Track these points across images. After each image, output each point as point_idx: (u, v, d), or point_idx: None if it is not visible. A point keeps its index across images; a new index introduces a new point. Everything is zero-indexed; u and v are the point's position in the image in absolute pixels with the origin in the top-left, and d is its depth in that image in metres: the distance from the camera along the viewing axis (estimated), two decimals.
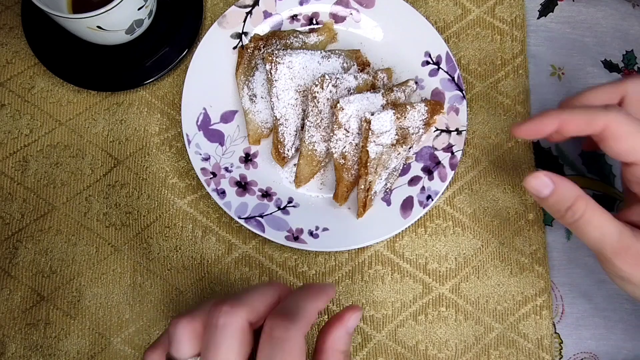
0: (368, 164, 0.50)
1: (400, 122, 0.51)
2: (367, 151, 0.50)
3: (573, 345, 0.53)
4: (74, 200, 0.55)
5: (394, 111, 0.50)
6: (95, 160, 0.56)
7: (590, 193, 0.52)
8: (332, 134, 0.51)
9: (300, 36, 0.56)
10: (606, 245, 0.41)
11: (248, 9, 0.57)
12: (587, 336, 0.53)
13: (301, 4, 0.57)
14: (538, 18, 0.60)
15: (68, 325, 0.52)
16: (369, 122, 0.49)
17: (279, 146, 0.54)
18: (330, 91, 0.51)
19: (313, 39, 0.57)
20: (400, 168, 0.54)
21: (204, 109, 0.55)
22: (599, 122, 0.41)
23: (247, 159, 0.55)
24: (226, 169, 0.54)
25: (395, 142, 0.51)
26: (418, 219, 0.54)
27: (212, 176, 0.53)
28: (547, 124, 0.43)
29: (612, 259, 0.41)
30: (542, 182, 0.42)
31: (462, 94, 0.55)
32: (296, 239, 0.51)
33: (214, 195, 0.52)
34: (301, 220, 0.52)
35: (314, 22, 0.58)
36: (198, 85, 0.55)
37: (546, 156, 0.56)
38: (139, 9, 0.51)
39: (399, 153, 0.51)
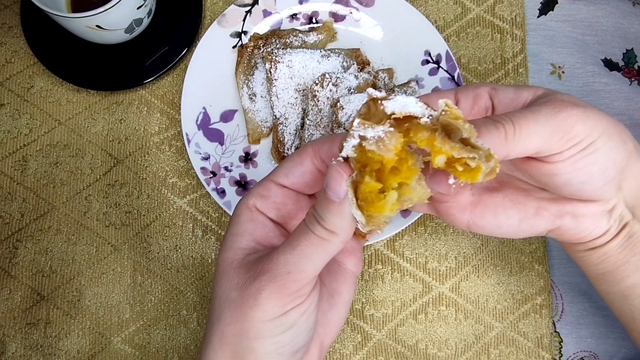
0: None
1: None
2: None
3: (573, 343, 0.53)
4: (73, 200, 0.55)
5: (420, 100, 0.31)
6: (94, 159, 0.55)
7: None
8: (331, 133, 0.51)
9: (300, 35, 0.56)
10: (543, 111, 0.35)
11: (248, 8, 0.57)
12: (586, 335, 0.53)
13: (301, 2, 0.57)
14: (538, 17, 0.59)
15: (68, 324, 0.52)
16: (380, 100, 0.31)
17: (279, 145, 0.53)
18: (331, 90, 0.51)
19: (313, 37, 0.56)
20: None
21: (204, 108, 0.55)
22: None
23: (247, 158, 0.55)
24: (226, 168, 0.54)
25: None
26: (418, 218, 0.54)
27: (212, 175, 0.53)
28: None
29: (560, 112, 0.35)
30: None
31: None
32: None
33: (214, 195, 0.52)
34: None
35: (314, 21, 0.58)
36: (198, 85, 0.55)
37: None
38: (138, 8, 0.51)
39: None
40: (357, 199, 0.31)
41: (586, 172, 0.36)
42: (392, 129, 0.30)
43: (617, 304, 0.42)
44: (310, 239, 0.33)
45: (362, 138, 0.31)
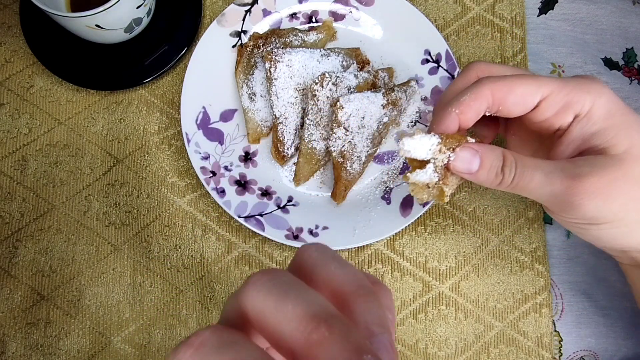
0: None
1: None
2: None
3: (573, 343, 0.53)
4: (73, 200, 0.55)
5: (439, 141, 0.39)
6: (94, 159, 0.55)
7: None
8: (331, 133, 0.51)
9: (300, 34, 0.56)
10: (556, 185, 0.36)
11: (247, 7, 0.57)
12: (586, 334, 0.53)
13: (300, 2, 0.57)
14: (538, 16, 0.59)
15: (68, 324, 0.52)
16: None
17: (279, 145, 0.53)
18: (330, 89, 0.51)
19: (312, 37, 0.56)
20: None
21: (204, 107, 0.55)
22: (483, 94, 0.39)
23: (247, 157, 0.55)
24: (226, 168, 0.53)
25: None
26: (418, 218, 0.53)
27: (211, 175, 0.53)
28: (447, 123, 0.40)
29: (570, 197, 0.36)
30: (467, 157, 0.38)
31: None
32: (296, 237, 0.51)
33: (214, 194, 0.52)
34: (301, 219, 0.52)
35: (314, 20, 0.57)
36: (197, 84, 0.55)
37: None
38: (137, 7, 0.51)
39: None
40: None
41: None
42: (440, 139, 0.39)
43: None
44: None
45: (436, 165, 0.39)
